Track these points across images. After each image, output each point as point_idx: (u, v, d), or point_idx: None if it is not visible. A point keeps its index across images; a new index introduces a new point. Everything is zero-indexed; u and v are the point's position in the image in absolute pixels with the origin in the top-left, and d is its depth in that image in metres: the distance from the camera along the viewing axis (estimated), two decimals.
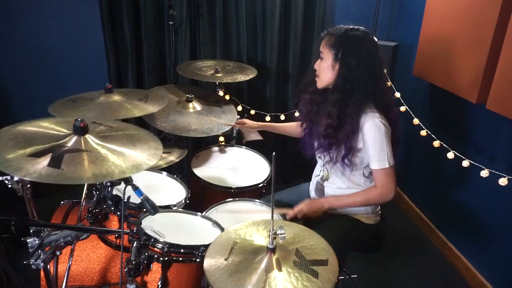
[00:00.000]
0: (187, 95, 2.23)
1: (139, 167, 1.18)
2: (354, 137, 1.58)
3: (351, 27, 1.59)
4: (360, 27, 1.60)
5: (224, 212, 1.77)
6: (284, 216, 1.72)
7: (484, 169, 1.82)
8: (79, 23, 2.78)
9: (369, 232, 1.77)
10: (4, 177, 1.20)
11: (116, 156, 1.20)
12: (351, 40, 1.54)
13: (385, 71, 2.35)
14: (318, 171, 1.84)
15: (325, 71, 1.60)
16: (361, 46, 1.54)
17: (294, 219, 1.68)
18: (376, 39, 1.65)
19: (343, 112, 1.57)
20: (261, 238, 1.25)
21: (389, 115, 1.61)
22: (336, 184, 1.74)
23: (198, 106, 2.24)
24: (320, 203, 1.69)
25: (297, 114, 1.87)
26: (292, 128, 2.06)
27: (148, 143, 1.33)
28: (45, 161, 1.10)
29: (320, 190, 1.80)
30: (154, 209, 1.29)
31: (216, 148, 2.33)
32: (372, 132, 1.54)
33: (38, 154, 1.12)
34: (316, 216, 1.69)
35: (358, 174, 1.69)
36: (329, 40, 1.58)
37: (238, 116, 2.27)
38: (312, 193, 1.86)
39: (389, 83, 2.37)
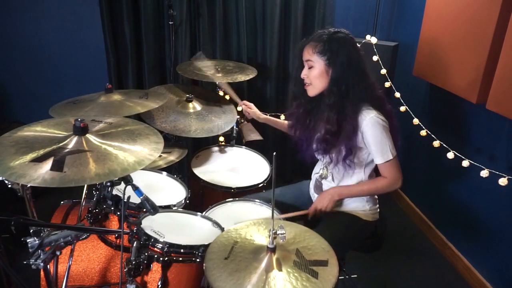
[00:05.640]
0: (187, 95, 2.23)
1: (141, 163, 1.19)
2: (354, 136, 1.59)
3: (333, 30, 1.62)
4: (341, 29, 1.63)
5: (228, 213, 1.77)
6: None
7: (484, 169, 1.82)
8: (79, 23, 2.78)
9: (368, 229, 1.78)
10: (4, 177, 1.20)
11: (119, 153, 1.20)
12: (339, 43, 1.58)
13: (384, 71, 2.37)
14: (318, 169, 1.84)
15: (319, 78, 1.62)
16: (348, 46, 1.58)
17: (293, 219, 1.68)
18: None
19: (342, 115, 1.59)
20: (261, 238, 1.25)
21: (383, 107, 1.62)
22: (335, 182, 1.74)
23: (198, 106, 2.24)
24: (329, 195, 1.69)
25: None
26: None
27: (149, 137, 1.34)
28: (47, 165, 1.10)
29: (318, 187, 1.81)
30: (154, 209, 1.29)
31: (216, 148, 2.33)
32: (371, 129, 1.55)
33: (40, 159, 1.12)
34: (331, 209, 1.69)
35: (359, 172, 1.69)
36: (316, 47, 1.60)
37: (238, 115, 2.27)
38: (312, 191, 1.87)
39: (388, 83, 2.37)
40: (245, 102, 2.18)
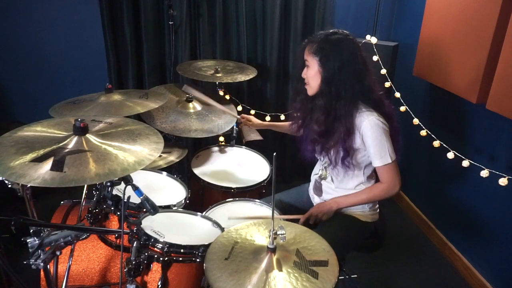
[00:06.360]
0: (187, 95, 2.23)
1: (141, 163, 1.19)
2: (350, 137, 1.59)
3: (331, 31, 1.62)
4: (339, 30, 1.62)
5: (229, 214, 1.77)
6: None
7: (484, 169, 1.82)
8: (79, 23, 2.78)
9: (367, 230, 1.78)
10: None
11: (119, 153, 1.20)
12: (332, 44, 1.57)
13: (384, 71, 2.37)
14: (317, 170, 1.84)
15: (314, 78, 1.63)
16: (342, 48, 1.57)
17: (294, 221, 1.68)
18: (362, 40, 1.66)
19: (331, 116, 1.59)
20: (262, 238, 1.25)
21: (383, 109, 1.62)
22: (335, 183, 1.74)
23: (198, 106, 2.24)
24: (328, 204, 1.70)
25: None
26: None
27: (149, 137, 1.34)
28: (47, 165, 1.10)
29: (318, 188, 1.81)
30: (154, 209, 1.29)
31: (216, 148, 2.33)
32: (371, 131, 1.55)
33: (40, 159, 1.12)
34: (327, 218, 1.70)
35: (358, 174, 1.69)
36: (312, 48, 1.61)
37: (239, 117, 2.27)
38: (311, 192, 1.87)
39: (388, 83, 2.37)
40: (243, 115, 2.20)
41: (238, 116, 2.20)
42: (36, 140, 1.23)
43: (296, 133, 1.87)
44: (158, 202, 1.36)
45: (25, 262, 1.14)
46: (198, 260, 1.43)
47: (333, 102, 1.58)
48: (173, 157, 2.12)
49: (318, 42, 1.59)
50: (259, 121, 2.19)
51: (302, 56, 1.67)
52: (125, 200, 1.28)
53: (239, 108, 2.66)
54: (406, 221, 2.89)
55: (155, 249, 1.43)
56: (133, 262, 1.37)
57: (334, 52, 1.56)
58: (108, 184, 1.36)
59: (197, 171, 2.06)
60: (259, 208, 1.82)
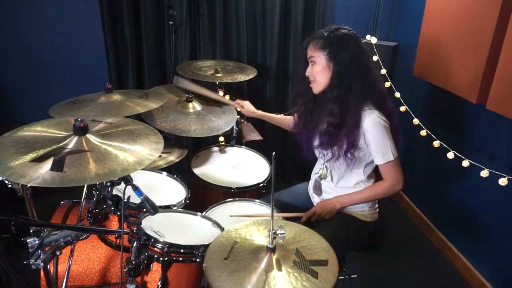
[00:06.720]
0: (187, 95, 2.23)
1: (141, 163, 1.19)
2: (356, 131, 1.59)
3: (334, 27, 1.64)
4: (342, 26, 1.64)
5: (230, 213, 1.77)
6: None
7: (484, 169, 1.82)
8: (79, 23, 2.79)
9: (367, 230, 1.78)
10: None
11: (119, 153, 1.20)
12: (339, 38, 1.59)
13: (384, 71, 2.37)
14: (317, 169, 1.85)
15: (321, 73, 1.63)
16: (349, 42, 1.59)
17: (295, 219, 1.68)
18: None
19: (344, 107, 1.60)
20: (261, 238, 1.25)
21: (385, 106, 1.63)
22: (334, 181, 1.74)
23: (198, 106, 2.24)
24: (331, 203, 1.70)
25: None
26: (286, 121, 2.06)
27: (149, 137, 1.34)
28: (47, 165, 1.10)
29: (317, 187, 1.81)
30: (154, 209, 1.29)
31: (216, 148, 2.33)
32: (372, 128, 1.56)
33: (40, 159, 1.12)
34: (329, 217, 1.70)
35: (359, 172, 1.70)
36: (317, 43, 1.61)
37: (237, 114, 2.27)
38: (311, 191, 1.87)
39: (388, 83, 2.37)
40: (238, 101, 2.19)
41: (232, 103, 2.19)
42: (36, 140, 1.23)
43: (298, 133, 1.86)
44: (158, 202, 1.36)
45: (25, 262, 1.14)
46: (198, 260, 1.43)
47: (346, 93, 1.58)
48: (173, 157, 2.12)
49: (324, 38, 1.60)
50: (252, 109, 2.14)
51: (305, 54, 1.67)
52: (125, 200, 1.28)
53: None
54: (406, 221, 2.89)
55: (155, 249, 1.43)
56: (133, 262, 1.37)
57: (343, 44, 1.58)
58: (108, 184, 1.36)
59: (197, 171, 2.06)
60: (259, 208, 1.82)
